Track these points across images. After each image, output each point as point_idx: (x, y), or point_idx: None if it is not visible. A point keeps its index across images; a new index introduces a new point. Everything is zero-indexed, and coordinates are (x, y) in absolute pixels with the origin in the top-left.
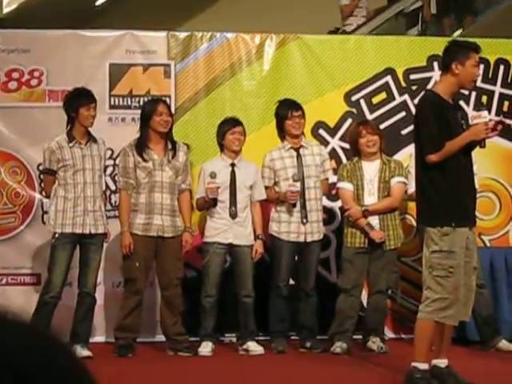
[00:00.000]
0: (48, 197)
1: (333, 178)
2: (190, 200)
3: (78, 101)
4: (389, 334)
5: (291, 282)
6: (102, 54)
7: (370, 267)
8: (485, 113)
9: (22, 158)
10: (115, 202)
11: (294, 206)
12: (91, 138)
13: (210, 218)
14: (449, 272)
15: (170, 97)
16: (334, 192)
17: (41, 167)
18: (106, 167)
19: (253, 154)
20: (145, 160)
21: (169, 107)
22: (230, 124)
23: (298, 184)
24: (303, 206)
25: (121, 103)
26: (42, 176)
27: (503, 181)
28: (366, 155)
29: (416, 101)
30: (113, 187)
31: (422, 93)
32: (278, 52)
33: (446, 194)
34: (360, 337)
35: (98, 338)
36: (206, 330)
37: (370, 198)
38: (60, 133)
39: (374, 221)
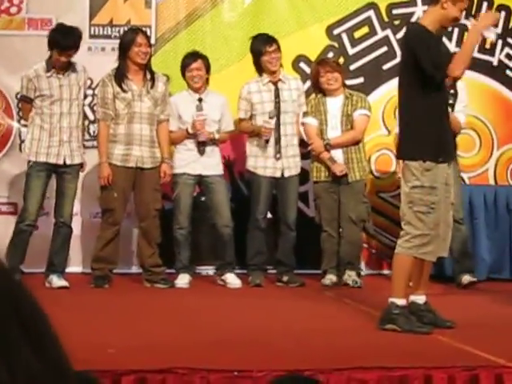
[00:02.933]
0: (26, 121)
1: None
2: (168, 131)
3: (54, 42)
4: (365, 269)
5: (270, 216)
6: None
7: (340, 200)
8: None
9: (1, 87)
10: (93, 132)
11: (267, 141)
12: (70, 67)
13: (178, 150)
14: (430, 208)
15: (150, 27)
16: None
17: (19, 95)
18: (85, 96)
19: (234, 86)
20: (124, 91)
21: (148, 38)
22: (188, 60)
23: (273, 121)
24: (277, 141)
25: (101, 33)
26: (19, 103)
27: (485, 119)
28: (328, 92)
29: (398, 36)
30: (91, 117)
31: (408, 25)
32: None
33: (431, 128)
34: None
35: (75, 268)
36: (181, 262)
37: (334, 132)
38: (40, 61)
39: (338, 153)
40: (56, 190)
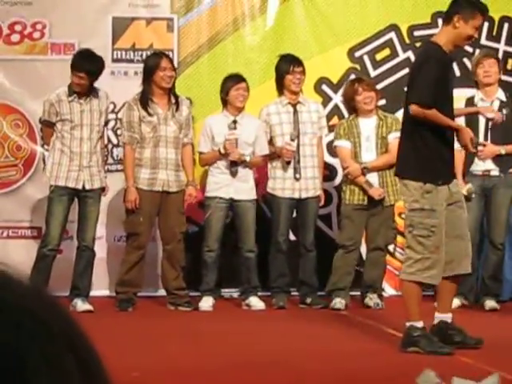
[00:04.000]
0: (48, 145)
1: (331, 136)
2: (193, 154)
3: (74, 65)
4: (390, 290)
5: (293, 238)
6: (105, 7)
7: (368, 223)
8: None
9: (24, 111)
10: (117, 156)
11: (289, 163)
12: (92, 92)
13: (212, 172)
14: (430, 231)
15: (172, 51)
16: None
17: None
18: (107, 121)
19: (255, 109)
20: (150, 114)
21: (172, 61)
22: (234, 80)
23: (295, 144)
24: (297, 162)
25: (123, 57)
26: (41, 127)
27: None
28: (363, 112)
29: None
30: (115, 141)
31: (426, 44)
32: (282, 7)
33: (435, 150)
34: (357, 293)
35: (100, 291)
36: (207, 284)
37: (368, 155)
38: (63, 86)
39: (373, 178)
40: (78, 214)
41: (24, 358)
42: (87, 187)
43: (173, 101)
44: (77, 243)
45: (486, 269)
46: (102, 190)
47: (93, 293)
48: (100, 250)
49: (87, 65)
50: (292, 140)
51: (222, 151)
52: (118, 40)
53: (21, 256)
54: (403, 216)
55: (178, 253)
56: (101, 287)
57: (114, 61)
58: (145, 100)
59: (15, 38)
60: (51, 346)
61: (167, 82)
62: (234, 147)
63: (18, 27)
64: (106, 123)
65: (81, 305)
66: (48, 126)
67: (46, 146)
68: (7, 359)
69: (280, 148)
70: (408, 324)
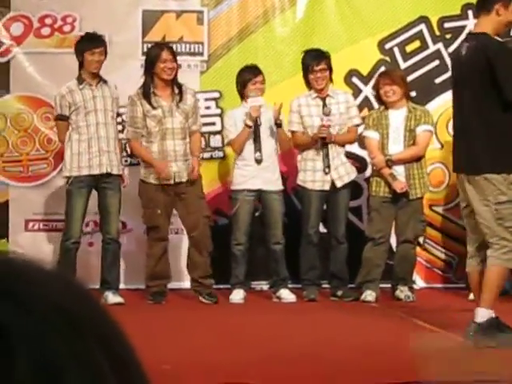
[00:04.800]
0: (62, 143)
1: (360, 128)
2: (201, 141)
3: (83, 45)
4: (420, 283)
5: (323, 230)
6: (135, 0)
7: (397, 216)
8: None
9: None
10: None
11: (325, 141)
12: (101, 79)
13: (238, 165)
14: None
15: (202, 44)
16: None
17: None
18: (118, 114)
19: (285, 101)
20: (154, 108)
21: (174, 53)
22: (250, 73)
23: (329, 118)
24: (326, 155)
25: None
26: (56, 124)
27: None
28: (390, 105)
29: (450, 49)
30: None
31: (479, 37)
32: None
33: (511, 139)
34: (387, 285)
35: (130, 285)
36: (237, 277)
37: (396, 147)
38: None
39: (400, 169)
40: (99, 208)
41: (51, 356)
42: (108, 170)
43: (176, 91)
44: (101, 236)
45: None
46: (121, 178)
47: (122, 286)
48: (129, 242)
49: (101, 39)
50: (326, 114)
51: (249, 123)
52: (148, 33)
53: (51, 248)
54: (435, 209)
55: (204, 238)
56: (131, 280)
57: (144, 54)
58: (147, 93)
59: (46, 31)
60: (81, 342)
61: (168, 74)
62: (258, 111)
63: (48, 20)
64: (118, 115)
65: (112, 297)
66: (62, 119)
67: (60, 144)
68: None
69: (315, 133)
70: (492, 314)
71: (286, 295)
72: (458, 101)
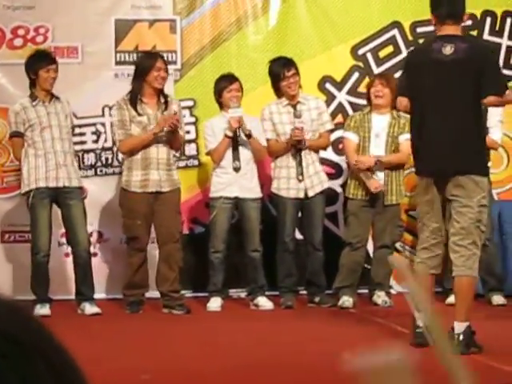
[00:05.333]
0: (18, 160)
1: (335, 134)
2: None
3: (37, 63)
4: (397, 288)
5: (300, 236)
6: (108, 9)
7: (375, 222)
8: None
9: None
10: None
11: (300, 144)
12: (54, 97)
13: (216, 173)
14: (484, 227)
15: (175, 52)
16: (341, 146)
17: (8, 132)
18: (73, 128)
19: (259, 109)
20: (139, 114)
21: (166, 63)
22: (226, 81)
23: (301, 120)
24: (299, 163)
25: (127, 59)
26: (10, 141)
27: None
28: (375, 106)
29: None
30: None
31: (470, 36)
32: (284, 6)
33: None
34: (364, 291)
35: (102, 294)
36: (215, 285)
37: (377, 151)
38: (67, 90)
39: (380, 174)
40: (64, 222)
41: None
42: (66, 184)
43: (162, 100)
44: (71, 249)
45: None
46: (81, 190)
47: (100, 295)
48: (105, 252)
49: (53, 57)
50: (297, 117)
51: (228, 133)
52: (121, 42)
53: (28, 260)
54: (412, 214)
55: (175, 253)
56: (109, 290)
57: (118, 63)
58: (134, 100)
59: (18, 42)
60: (29, 366)
61: (160, 83)
62: (240, 124)
63: (21, 31)
64: (72, 130)
65: (89, 308)
66: (17, 136)
67: (16, 161)
68: None
69: (289, 138)
70: (465, 324)
71: (264, 302)
72: (440, 102)
